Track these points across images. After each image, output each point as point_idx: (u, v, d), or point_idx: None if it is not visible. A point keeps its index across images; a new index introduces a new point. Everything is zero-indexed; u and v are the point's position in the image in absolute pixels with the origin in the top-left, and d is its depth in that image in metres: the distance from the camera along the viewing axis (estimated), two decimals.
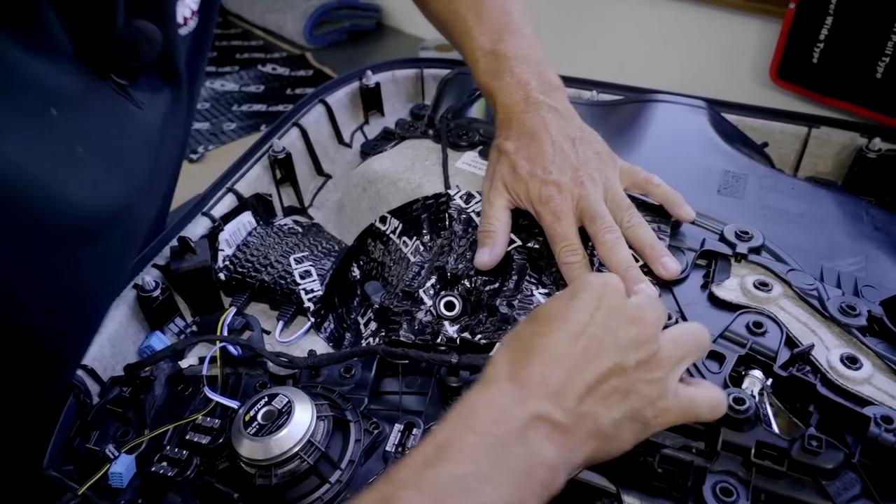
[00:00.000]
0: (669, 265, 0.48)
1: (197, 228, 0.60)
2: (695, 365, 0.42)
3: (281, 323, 0.57)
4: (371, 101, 0.81)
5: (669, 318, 0.44)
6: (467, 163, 0.62)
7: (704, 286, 0.50)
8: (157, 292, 0.54)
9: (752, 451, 0.38)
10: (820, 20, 0.90)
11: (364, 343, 0.57)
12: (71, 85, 0.35)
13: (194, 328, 0.58)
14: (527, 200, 0.51)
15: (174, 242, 0.57)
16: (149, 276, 0.55)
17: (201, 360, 0.52)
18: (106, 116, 0.37)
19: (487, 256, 0.51)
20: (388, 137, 0.76)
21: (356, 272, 0.64)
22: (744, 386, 0.41)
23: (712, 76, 1.20)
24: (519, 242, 0.53)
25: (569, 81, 0.78)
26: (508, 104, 0.54)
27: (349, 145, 0.79)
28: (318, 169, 0.76)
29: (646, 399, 0.35)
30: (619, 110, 0.70)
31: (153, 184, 0.44)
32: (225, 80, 1.84)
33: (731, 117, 0.71)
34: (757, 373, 0.42)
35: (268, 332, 0.57)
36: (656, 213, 0.54)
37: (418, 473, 0.30)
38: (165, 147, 0.44)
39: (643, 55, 1.34)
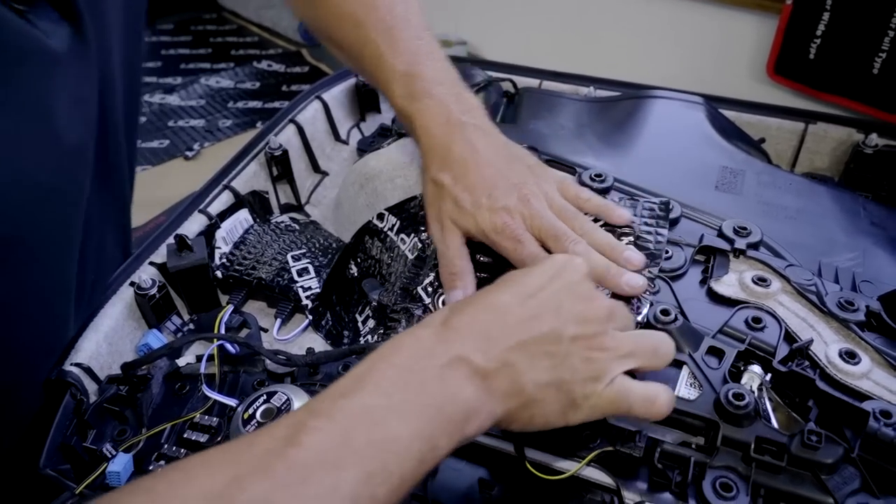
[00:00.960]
0: (633, 258, 0.48)
1: (193, 226, 0.60)
2: (694, 360, 0.42)
3: (279, 321, 0.57)
4: (367, 97, 0.81)
5: (668, 313, 0.44)
6: None
7: (703, 282, 0.50)
8: (154, 290, 0.54)
9: (752, 446, 0.38)
10: (817, 16, 0.90)
11: (362, 340, 0.56)
12: None
13: (191, 326, 0.58)
14: (479, 233, 0.48)
15: (171, 240, 0.57)
16: (145, 275, 0.54)
17: (199, 358, 0.52)
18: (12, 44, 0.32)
19: (462, 296, 0.49)
20: (384, 134, 0.76)
21: (354, 270, 0.64)
22: (743, 381, 0.41)
23: (709, 72, 1.21)
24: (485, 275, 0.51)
25: (566, 77, 0.78)
26: (430, 127, 0.51)
27: (346, 142, 0.79)
28: (315, 166, 0.76)
29: (576, 374, 0.35)
30: (616, 107, 0.70)
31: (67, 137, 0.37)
32: (220, 76, 1.84)
33: (729, 113, 0.71)
34: (756, 368, 0.42)
35: (265, 330, 0.57)
36: (651, 216, 0.54)
37: (332, 402, 0.30)
38: (80, 94, 0.38)
39: (640, 51, 1.34)
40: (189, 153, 1.42)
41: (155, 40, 2.12)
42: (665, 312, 0.44)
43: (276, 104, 1.70)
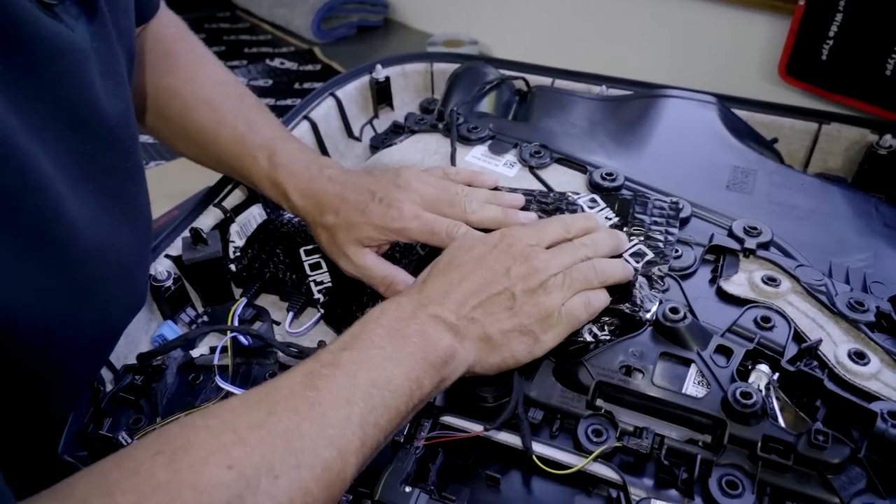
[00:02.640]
0: (514, 198, 0.55)
1: (208, 219, 0.61)
2: (702, 358, 0.43)
3: (291, 314, 0.58)
4: (381, 94, 0.81)
5: (677, 311, 0.44)
6: (477, 157, 0.63)
7: (712, 281, 0.50)
8: (170, 282, 0.55)
9: (759, 444, 0.38)
10: (829, 17, 0.89)
11: None
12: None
13: (205, 318, 0.59)
14: (381, 232, 0.51)
15: (186, 233, 0.58)
16: (161, 267, 0.55)
17: (213, 349, 0.53)
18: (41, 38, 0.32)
19: None
20: (397, 131, 0.77)
21: None
22: (751, 380, 0.41)
23: (720, 73, 1.20)
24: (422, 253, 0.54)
25: (579, 76, 0.78)
26: (300, 187, 0.54)
27: (359, 139, 0.80)
28: None
29: (531, 317, 0.43)
30: (628, 105, 0.70)
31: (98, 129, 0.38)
32: (233, 74, 1.85)
33: (741, 113, 0.71)
34: (764, 367, 0.42)
35: (278, 323, 0.58)
36: (661, 215, 0.54)
37: (336, 354, 0.37)
38: (106, 86, 0.39)
39: (651, 51, 1.34)
40: None
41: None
42: (674, 311, 0.44)
43: (289, 101, 1.70)
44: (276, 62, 1.94)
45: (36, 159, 0.32)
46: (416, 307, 0.41)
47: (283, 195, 0.55)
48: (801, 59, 0.96)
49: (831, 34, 0.90)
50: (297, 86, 1.79)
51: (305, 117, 0.73)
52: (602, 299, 0.46)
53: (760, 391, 0.40)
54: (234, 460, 0.30)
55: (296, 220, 0.65)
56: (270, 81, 1.81)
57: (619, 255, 0.50)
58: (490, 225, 0.52)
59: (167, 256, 0.57)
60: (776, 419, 0.40)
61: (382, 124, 0.82)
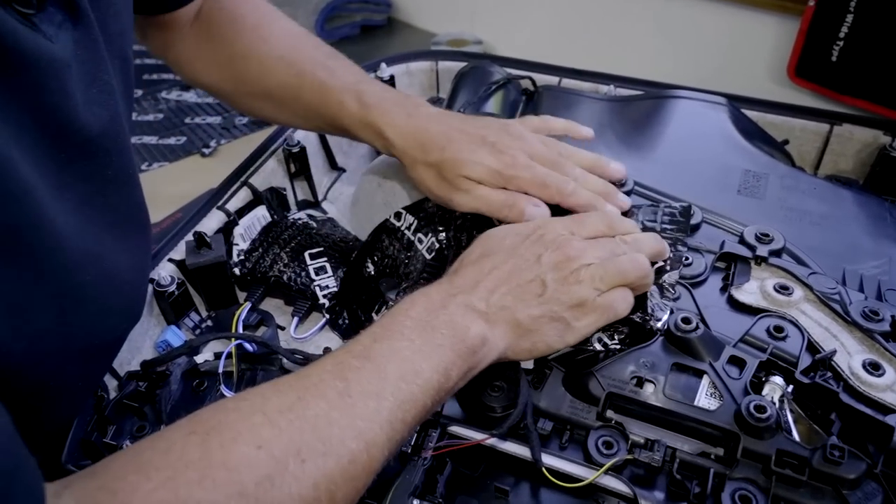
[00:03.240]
0: (622, 200, 0.53)
1: (212, 222, 0.60)
2: (714, 370, 0.42)
3: (296, 319, 0.57)
4: None
5: (689, 322, 0.44)
6: None
7: (724, 289, 0.49)
8: (173, 287, 0.54)
9: (773, 459, 0.37)
10: (840, 18, 0.88)
11: None
12: None
13: (209, 323, 0.58)
14: (492, 175, 0.51)
15: (189, 237, 0.57)
16: (164, 271, 0.55)
17: (217, 355, 0.52)
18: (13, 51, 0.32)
19: (538, 209, 0.50)
20: None
21: (371, 268, 0.63)
22: (764, 392, 0.41)
23: (729, 73, 1.19)
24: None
25: (587, 75, 0.77)
26: (397, 125, 0.53)
27: None
28: (332, 163, 0.76)
29: (562, 304, 0.42)
30: (637, 106, 0.69)
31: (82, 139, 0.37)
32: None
33: (752, 114, 0.70)
34: (778, 379, 0.41)
35: (282, 328, 0.57)
36: (671, 221, 0.53)
37: (367, 347, 0.37)
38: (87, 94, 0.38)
39: (658, 52, 1.32)
40: (206, 150, 1.42)
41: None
42: (686, 321, 0.43)
43: None
44: None
45: (14, 166, 0.31)
46: (445, 297, 0.41)
47: (377, 135, 0.54)
48: (810, 61, 0.95)
49: (841, 35, 0.89)
50: None
51: None
52: (647, 279, 0.44)
53: (774, 404, 0.39)
54: (263, 441, 0.31)
55: (300, 222, 0.65)
56: None
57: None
58: (579, 207, 0.51)
59: (170, 261, 0.57)
60: (790, 433, 0.39)
61: None
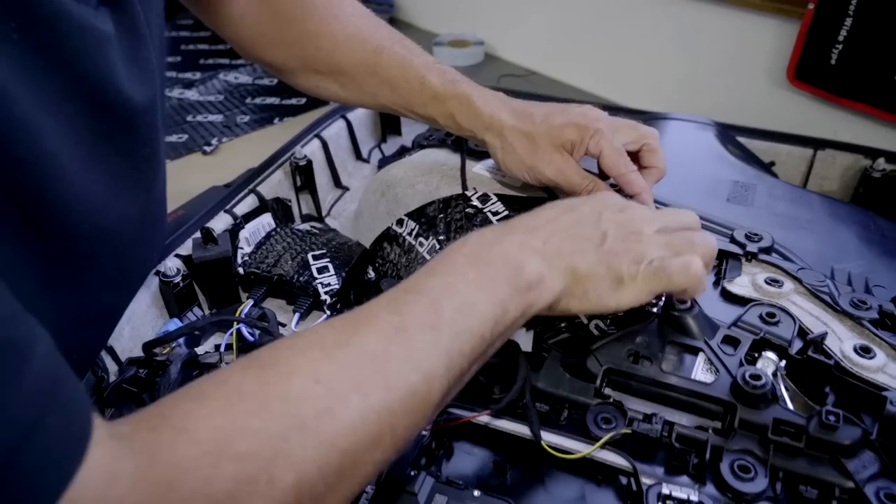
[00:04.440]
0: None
1: (219, 224, 0.62)
2: (710, 347, 0.43)
3: (297, 315, 0.58)
4: (389, 120, 0.84)
5: (685, 301, 0.45)
6: (485, 168, 0.64)
7: (716, 283, 0.51)
8: (179, 279, 0.55)
9: (770, 428, 0.38)
10: (839, 21, 0.90)
11: None
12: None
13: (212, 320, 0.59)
14: (583, 132, 0.52)
15: (197, 234, 0.59)
16: (171, 263, 0.56)
17: (217, 348, 0.53)
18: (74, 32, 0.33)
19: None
20: (404, 155, 0.79)
21: (371, 274, 0.65)
22: (758, 367, 0.41)
23: (728, 77, 1.20)
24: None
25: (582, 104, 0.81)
26: (484, 95, 0.55)
27: (367, 161, 0.82)
28: (337, 181, 0.78)
29: (620, 258, 0.40)
30: None
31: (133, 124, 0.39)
32: (238, 72, 1.88)
33: (738, 140, 0.74)
34: (771, 354, 0.42)
35: (284, 325, 0.58)
36: None
37: (419, 281, 0.37)
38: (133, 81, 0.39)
39: (659, 54, 1.34)
40: (207, 148, 1.44)
41: (175, 35, 2.16)
42: (681, 300, 0.45)
43: (294, 101, 1.71)
44: None
45: (42, 133, 0.32)
46: (500, 234, 0.40)
47: (465, 105, 0.55)
48: (809, 64, 0.96)
49: (841, 38, 0.91)
50: None
51: (317, 136, 0.76)
52: (706, 270, 0.41)
53: (769, 376, 0.40)
54: (321, 375, 0.30)
55: (304, 228, 0.66)
56: (276, 80, 1.83)
57: None
58: (632, 190, 0.52)
59: (177, 256, 0.58)
60: (785, 404, 0.39)
61: (390, 148, 0.84)
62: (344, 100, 0.64)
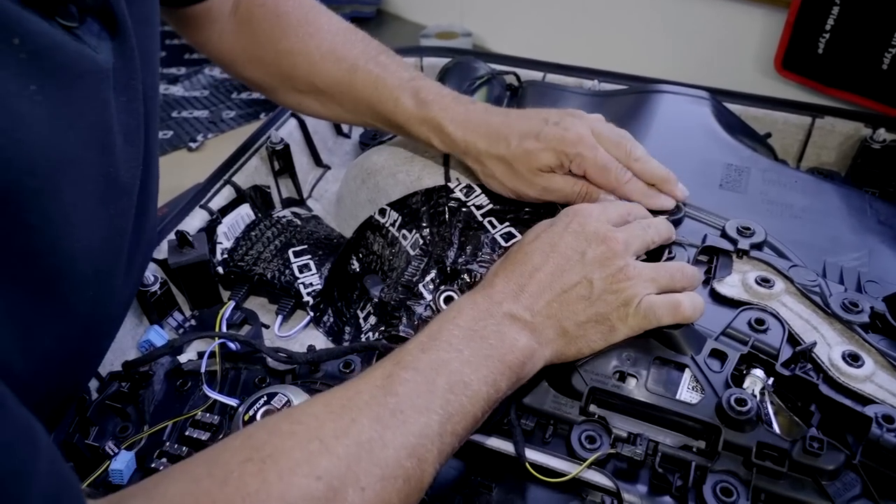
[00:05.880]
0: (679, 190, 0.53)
1: (194, 221, 0.60)
2: (696, 363, 0.42)
3: (280, 317, 0.57)
4: None
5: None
6: None
7: (706, 282, 0.49)
8: (156, 287, 0.54)
9: (753, 451, 0.38)
10: (826, 10, 0.88)
11: (364, 337, 0.56)
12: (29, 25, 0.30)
13: (193, 322, 0.58)
14: (558, 157, 0.51)
15: (171, 236, 0.57)
16: (147, 271, 0.54)
17: (200, 355, 0.52)
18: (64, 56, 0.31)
19: (611, 199, 0.51)
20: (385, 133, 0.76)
21: (355, 265, 0.63)
22: (745, 385, 0.41)
23: (716, 66, 1.19)
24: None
25: (570, 70, 0.77)
26: (459, 120, 0.53)
27: (348, 136, 0.78)
28: (317, 160, 0.75)
29: (609, 305, 0.41)
30: (620, 100, 0.69)
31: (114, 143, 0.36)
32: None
33: (735, 107, 0.70)
34: (759, 372, 0.41)
35: (267, 326, 0.57)
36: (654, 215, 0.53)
37: (415, 357, 0.36)
38: (127, 105, 0.38)
39: (646, 44, 1.32)
40: (193, 144, 1.40)
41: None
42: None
43: None
44: None
45: (58, 188, 0.30)
46: (492, 306, 0.40)
47: (437, 131, 0.54)
48: (797, 53, 0.95)
49: (828, 27, 0.89)
50: None
51: (293, 114, 0.72)
52: (698, 307, 0.42)
53: (755, 396, 0.40)
54: (322, 471, 0.30)
55: (284, 219, 0.64)
56: None
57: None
58: (651, 180, 0.52)
59: (153, 260, 0.56)
60: (771, 425, 0.39)
61: None
62: (326, 117, 0.62)
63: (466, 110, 0.53)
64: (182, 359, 0.53)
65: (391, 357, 0.37)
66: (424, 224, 0.58)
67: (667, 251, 0.51)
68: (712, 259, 0.51)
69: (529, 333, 0.39)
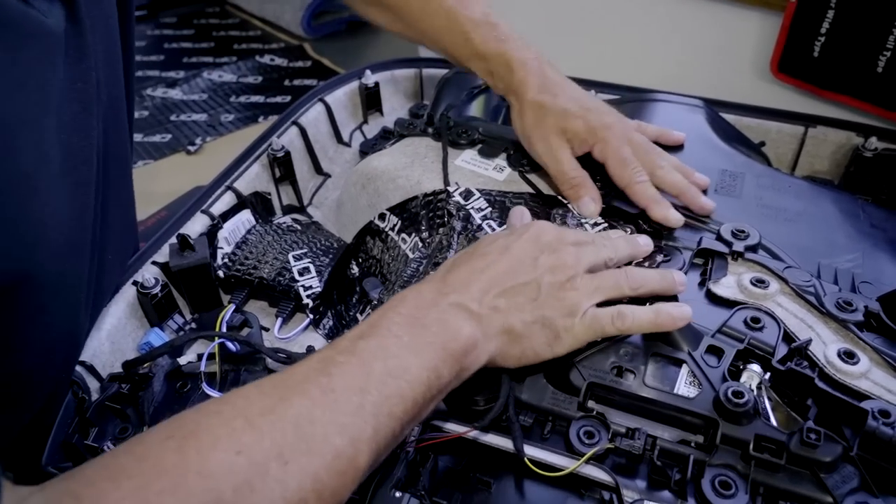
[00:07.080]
0: (701, 179, 0.56)
1: (196, 226, 0.60)
2: (693, 359, 0.43)
3: (280, 319, 0.57)
4: (370, 100, 0.81)
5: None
6: (466, 161, 0.62)
7: (702, 284, 0.50)
8: (157, 289, 0.54)
9: (751, 444, 0.38)
10: (821, 14, 0.89)
11: None
12: None
13: (193, 325, 0.58)
14: (588, 134, 0.52)
15: (173, 240, 0.57)
16: (148, 273, 0.55)
17: (200, 356, 0.52)
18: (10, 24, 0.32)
19: (593, 205, 0.53)
20: (386, 137, 0.77)
21: (355, 269, 0.64)
22: (742, 380, 0.41)
23: (711, 70, 1.19)
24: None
25: None
26: (525, 60, 0.56)
27: (348, 144, 0.79)
28: (318, 168, 0.76)
29: (555, 311, 0.41)
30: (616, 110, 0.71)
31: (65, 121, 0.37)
32: (223, 70, 1.83)
33: (729, 116, 0.72)
34: (755, 367, 0.42)
35: (266, 329, 0.57)
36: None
37: (352, 343, 0.36)
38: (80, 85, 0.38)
39: (641, 49, 1.33)
40: (191, 147, 1.41)
41: (158, 34, 2.10)
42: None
43: (279, 99, 1.68)
44: (267, 59, 1.92)
45: (15, 149, 0.31)
46: (437, 295, 0.40)
47: (504, 65, 0.56)
48: (792, 56, 0.95)
49: (823, 31, 0.90)
50: (287, 82, 1.77)
51: (294, 122, 0.73)
52: (642, 321, 0.42)
53: (752, 391, 0.40)
54: (242, 446, 0.30)
55: (284, 225, 0.65)
56: (260, 78, 1.80)
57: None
58: (671, 190, 0.54)
59: (154, 263, 0.57)
60: (768, 419, 0.39)
61: (372, 130, 0.81)
62: (398, 33, 0.64)
63: (537, 56, 0.57)
64: (182, 360, 0.53)
65: (329, 344, 0.37)
66: (423, 227, 0.59)
67: (662, 255, 0.51)
68: (707, 261, 0.51)
69: (475, 323, 0.39)
